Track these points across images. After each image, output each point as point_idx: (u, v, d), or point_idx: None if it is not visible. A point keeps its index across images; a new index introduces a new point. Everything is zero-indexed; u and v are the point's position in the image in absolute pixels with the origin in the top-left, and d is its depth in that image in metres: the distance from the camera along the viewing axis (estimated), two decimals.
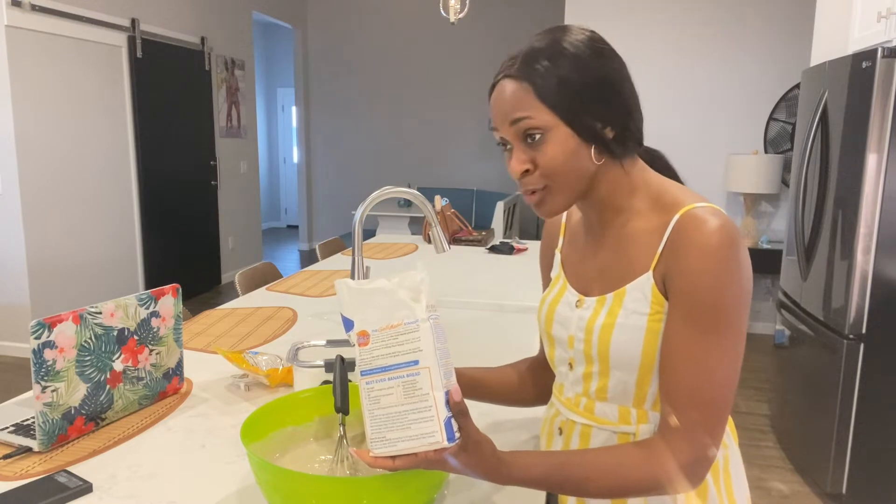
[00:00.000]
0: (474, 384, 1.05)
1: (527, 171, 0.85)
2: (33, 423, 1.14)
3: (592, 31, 0.86)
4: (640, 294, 0.85)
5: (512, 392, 1.08)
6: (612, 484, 0.79)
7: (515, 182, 0.88)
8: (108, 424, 1.18)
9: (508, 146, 0.87)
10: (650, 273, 0.85)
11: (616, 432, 0.90)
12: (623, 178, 0.89)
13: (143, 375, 1.23)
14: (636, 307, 0.85)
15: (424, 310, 0.77)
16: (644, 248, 0.86)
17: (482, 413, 1.25)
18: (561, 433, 0.97)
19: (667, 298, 0.84)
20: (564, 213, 1.04)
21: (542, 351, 1.13)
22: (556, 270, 1.01)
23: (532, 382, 1.10)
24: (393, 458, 0.76)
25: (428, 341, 0.76)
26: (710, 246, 0.79)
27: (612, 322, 0.86)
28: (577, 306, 0.93)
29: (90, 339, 1.11)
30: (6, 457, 1.05)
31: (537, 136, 0.83)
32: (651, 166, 0.96)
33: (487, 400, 1.07)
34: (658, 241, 0.85)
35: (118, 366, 1.17)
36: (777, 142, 4.57)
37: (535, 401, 1.10)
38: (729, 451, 0.93)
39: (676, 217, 0.84)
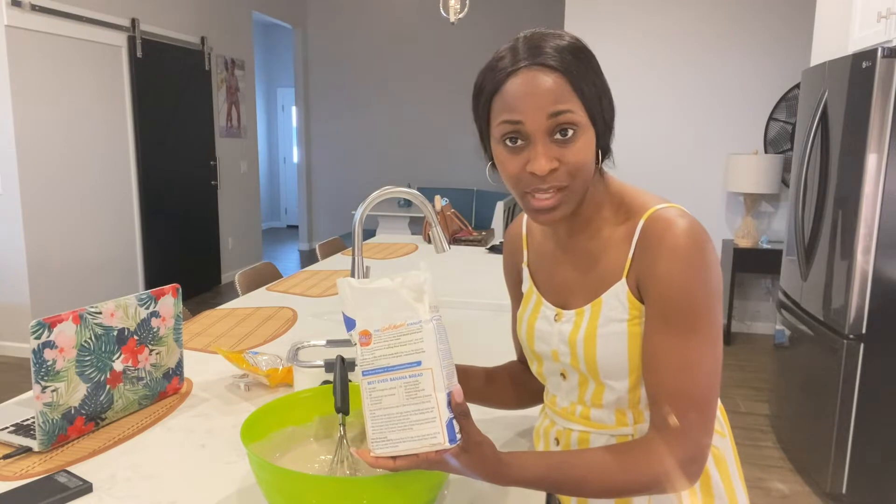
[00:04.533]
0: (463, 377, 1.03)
1: (554, 169, 0.80)
2: (33, 423, 1.14)
3: None
4: (617, 302, 0.86)
5: (492, 392, 1.07)
6: (611, 483, 0.79)
7: (521, 181, 0.83)
8: (108, 424, 1.18)
9: (519, 142, 0.81)
10: (623, 280, 0.85)
11: (614, 435, 0.91)
12: (598, 187, 0.89)
13: (143, 375, 1.23)
14: (614, 315, 0.85)
15: (427, 310, 0.77)
16: (614, 256, 0.87)
17: (479, 412, 1.25)
18: (558, 443, 0.98)
19: (642, 302, 0.84)
20: (524, 226, 1.03)
21: (520, 356, 1.13)
22: (527, 284, 1.00)
23: (511, 385, 1.09)
24: (394, 458, 0.76)
25: (431, 342, 0.76)
26: (679, 248, 0.80)
27: (594, 333, 0.87)
28: (556, 320, 0.93)
29: (90, 339, 1.11)
30: (6, 457, 1.05)
31: (570, 133, 0.79)
32: None
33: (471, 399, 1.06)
34: (627, 248, 0.85)
35: (118, 366, 1.17)
36: (777, 142, 4.57)
37: (518, 404, 1.10)
38: (725, 439, 0.95)
39: (642, 221, 0.84)
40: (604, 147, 0.85)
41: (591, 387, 0.91)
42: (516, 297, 1.06)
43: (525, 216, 1.04)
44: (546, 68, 0.78)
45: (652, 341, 0.82)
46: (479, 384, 1.07)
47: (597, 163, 0.86)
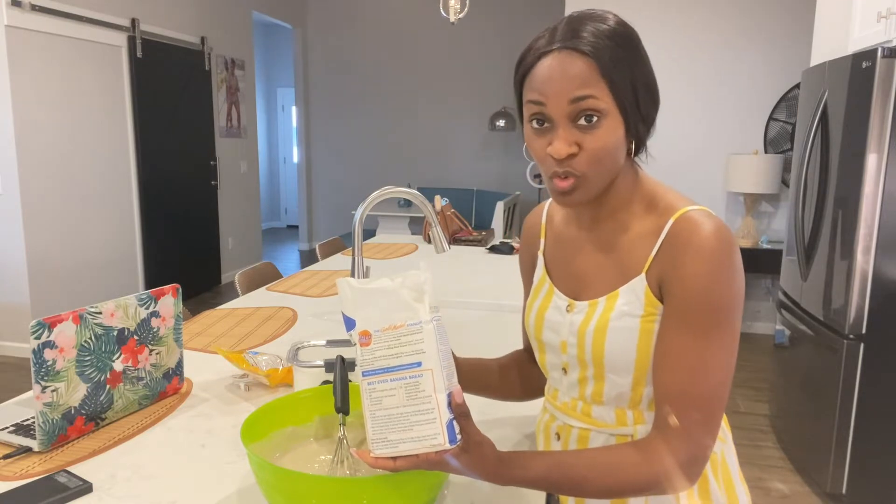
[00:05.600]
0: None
1: (573, 154, 0.80)
2: (33, 423, 1.14)
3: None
4: (633, 296, 0.85)
5: (492, 384, 1.07)
6: (611, 483, 0.79)
7: (545, 163, 0.83)
8: (108, 424, 1.18)
9: (545, 124, 0.82)
10: (643, 276, 0.85)
11: (614, 434, 0.91)
12: (628, 179, 0.89)
13: (143, 375, 1.23)
14: (629, 309, 0.85)
15: (427, 311, 0.77)
16: (637, 251, 0.86)
17: (480, 412, 1.25)
18: (559, 438, 0.97)
19: (660, 300, 0.83)
20: (544, 214, 1.03)
21: (527, 346, 1.12)
22: (540, 273, 1.00)
23: (517, 376, 1.09)
24: (394, 458, 0.76)
25: (431, 343, 0.76)
26: (708, 250, 0.79)
27: (605, 325, 0.86)
28: (567, 311, 0.92)
29: (90, 339, 1.11)
30: (6, 457, 1.05)
31: (594, 119, 0.79)
32: None
33: (469, 390, 1.06)
34: (652, 244, 0.85)
35: (118, 366, 1.17)
36: (777, 142, 4.57)
37: (522, 395, 1.10)
38: (725, 445, 0.94)
39: (671, 221, 0.83)
40: (637, 138, 0.84)
41: (591, 384, 0.90)
42: (529, 285, 1.05)
43: (546, 204, 1.04)
44: (576, 52, 0.78)
45: (668, 340, 0.82)
46: (494, 380, 1.07)
47: (630, 153, 0.85)
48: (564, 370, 0.94)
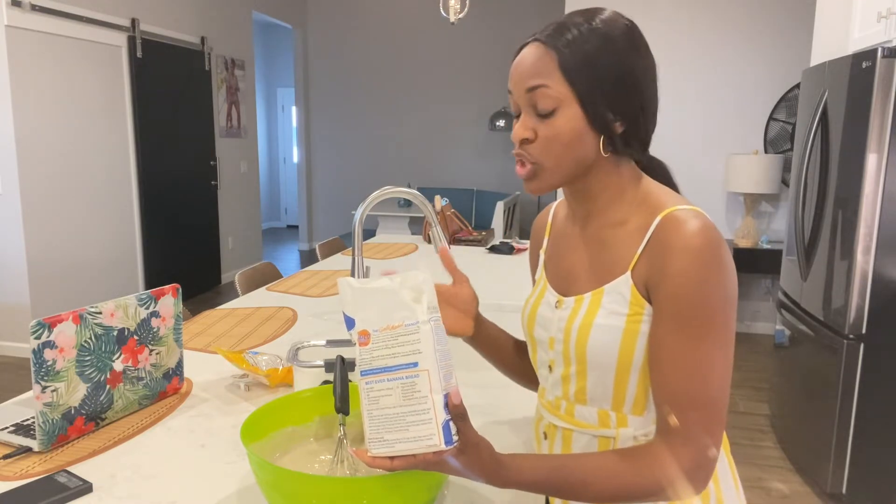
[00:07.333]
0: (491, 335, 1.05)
1: (527, 139, 0.84)
2: (33, 423, 1.14)
3: (633, 23, 0.85)
4: (619, 295, 0.84)
5: (506, 355, 1.08)
6: (612, 489, 0.77)
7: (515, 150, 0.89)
8: (108, 424, 1.18)
9: (521, 114, 0.86)
10: (628, 274, 0.84)
11: (596, 436, 0.89)
12: (616, 177, 0.88)
13: (143, 375, 1.23)
14: (614, 307, 0.84)
15: (426, 311, 0.77)
16: (624, 249, 0.86)
17: (477, 412, 1.25)
18: (546, 437, 0.97)
19: (648, 300, 0.83)
20: (551, 213, 1.04)
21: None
22: (540, 271, 1.01)
23: (519, 359, 1.09)
24: (391, 458, 0.76)
25: (428, 343, 0.76)
26: (693, 248, 0.78)
27: (590, 322, 0.86)
28: (556, 307, 0.92)
29: (90, 339, 1.11)
30: (6, 457, 1.05)
31: (549, 108, 0.82)
32: (651, 175, 0.94)
33: (485, 349, 1.06)
34: (638, 243, 0.84)
35: (118, 366, 1.17)
36: (777, 142, 4.57)
37: (520, 377, 1.10)
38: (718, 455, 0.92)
39: (657, 219, 0.83)
40: (607, 132, 0.83)
41: (574, 382, 0.90)
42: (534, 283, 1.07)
43: (555, 204, 1.05)
44: (539, 43, 0.83)
45: (661, 344, 0.80)
46: (509, 354, 1.08)
47: (612, 149, 0.85)
48: (550, 368, 0.94)
